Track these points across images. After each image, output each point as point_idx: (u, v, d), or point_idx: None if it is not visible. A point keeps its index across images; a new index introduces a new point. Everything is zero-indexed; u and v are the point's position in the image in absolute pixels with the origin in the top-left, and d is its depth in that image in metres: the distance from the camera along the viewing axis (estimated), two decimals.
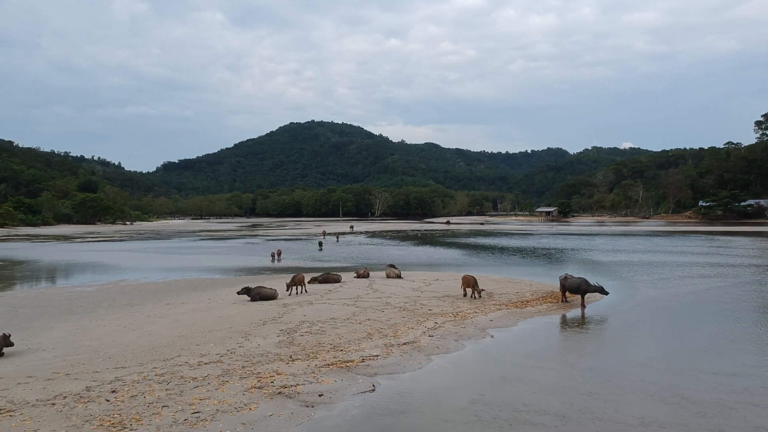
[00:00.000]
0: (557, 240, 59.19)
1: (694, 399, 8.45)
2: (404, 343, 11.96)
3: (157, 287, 23.29)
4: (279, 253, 36.62)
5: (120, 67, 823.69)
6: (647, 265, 30.24)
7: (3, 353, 11.30)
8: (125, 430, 7.12)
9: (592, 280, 17.24)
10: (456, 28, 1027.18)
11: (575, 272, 24.13)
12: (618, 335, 13.57)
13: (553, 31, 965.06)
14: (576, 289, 16.84)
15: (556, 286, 18.69)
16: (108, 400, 8.19)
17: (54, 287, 23.76)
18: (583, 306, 16.50)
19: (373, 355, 10.94)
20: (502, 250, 45.25)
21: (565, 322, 15.06)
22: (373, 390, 8.95)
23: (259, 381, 9.17)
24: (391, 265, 25.06)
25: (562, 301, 17.43)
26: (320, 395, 8.59)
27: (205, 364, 10.25)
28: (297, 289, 19.66)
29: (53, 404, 8.07)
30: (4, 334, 11.53)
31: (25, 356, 11.30)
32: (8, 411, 7.77)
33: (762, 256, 34.92)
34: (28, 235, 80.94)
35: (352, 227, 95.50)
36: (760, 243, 50.18)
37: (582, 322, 14.99)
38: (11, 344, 11.56)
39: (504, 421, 7.62)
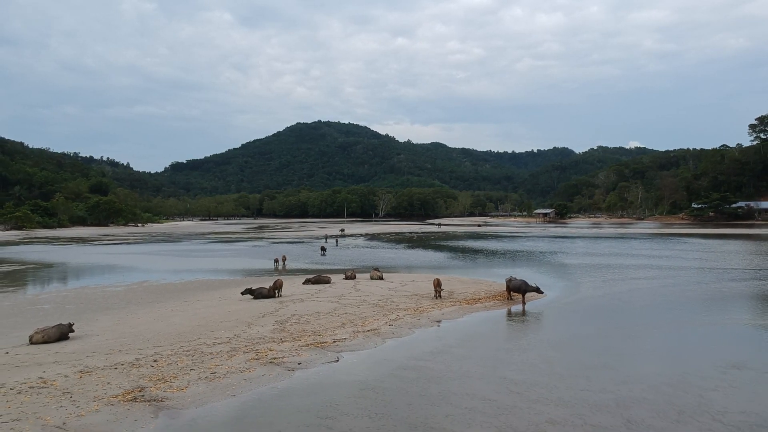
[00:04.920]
0: (540, 243, 62.27)
1: (517, 380, 11.13)
2: (368, 330, 15.74)
3: (175, 287, 26.83)
4: (284, 259, 38.41)
5: (128, 66, 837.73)
6: (602, 267, 33.52)
7: (69, 337, 15.25)
8: (167, 382, 10.96)
9: (531, 282, 20.96)
10: (463, 27, 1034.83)
11: (535, 274, 27.93)
12: (523, 329, 16.53)
13: (561, 30, 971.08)
14: (518, 289, 20.52)
15: None
16: (152, 366, 12.05)
17: (88, 287, 27.28)
18: (523, 303, 20.10)
19: (342, 338, 14.74)
20: (484, 253, 48.37)
21: (497, 317, 18.53)
22: (337, 361, 12.74)
23: (257, 355, 13.01)
24: (375, 268, 28.82)
25: (508, 299, 21.10)
26: (299, 363, 12.43)
27: (218, 344, 14.12)
28: (277, 292, 22.65)
29: (116, 368, 11.93)
30: (69, 322, 15.49)
31: (84, 339, 15.14)
32: (87, 372, 11.65)
33: (713, 260, 37.72)
34: (47, 237, 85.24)
35: (342, 230, 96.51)
36: (728, 246, 53.09)
37: (512, 316, 18.57)
38: (73, 331, 15.50)
39: (398, 379, 11.26)
